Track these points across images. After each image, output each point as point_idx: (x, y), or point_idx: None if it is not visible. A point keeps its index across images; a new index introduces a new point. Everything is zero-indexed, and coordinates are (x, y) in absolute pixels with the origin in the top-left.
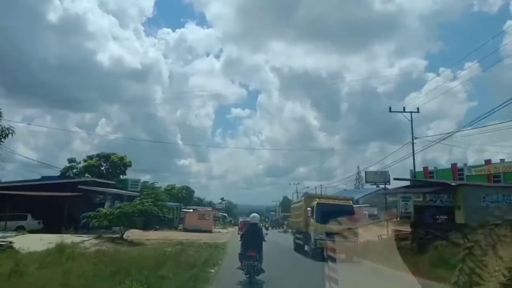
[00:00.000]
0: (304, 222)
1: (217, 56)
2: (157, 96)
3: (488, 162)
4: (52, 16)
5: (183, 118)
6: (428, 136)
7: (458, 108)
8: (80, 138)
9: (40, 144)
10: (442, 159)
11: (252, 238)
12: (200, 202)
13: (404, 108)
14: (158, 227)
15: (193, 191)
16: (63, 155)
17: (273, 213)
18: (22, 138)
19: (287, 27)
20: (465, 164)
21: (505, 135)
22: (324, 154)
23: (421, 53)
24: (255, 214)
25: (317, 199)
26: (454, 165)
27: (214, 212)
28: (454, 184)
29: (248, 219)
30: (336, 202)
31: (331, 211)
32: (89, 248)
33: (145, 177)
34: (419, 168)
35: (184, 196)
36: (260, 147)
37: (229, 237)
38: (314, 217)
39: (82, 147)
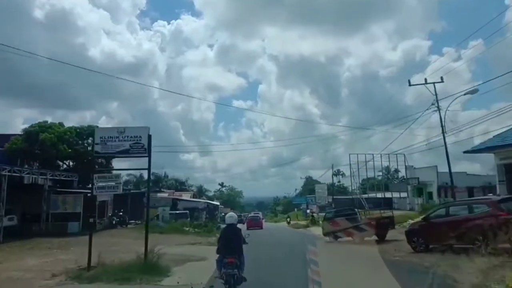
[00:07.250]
0: None
1: (211, 46)
2: (156, 90)
3: None
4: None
5: (185, 112)
6: None
7: (464, 89)
8: None
9: None
10: None
11: (230, 242)
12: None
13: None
14: None
15: None
16: None
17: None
18: None
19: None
20: None
21: None
22: (329, 141)
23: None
24: (232, 213)
25: None
26: None
27: None
28: None
29: (258, 213)
30: None
31: None
32: None
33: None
34: None
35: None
36: (262, 139)
37: None
38: None
39: None
